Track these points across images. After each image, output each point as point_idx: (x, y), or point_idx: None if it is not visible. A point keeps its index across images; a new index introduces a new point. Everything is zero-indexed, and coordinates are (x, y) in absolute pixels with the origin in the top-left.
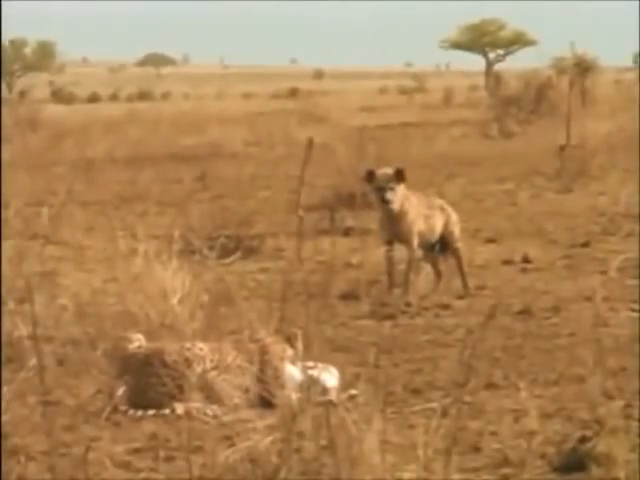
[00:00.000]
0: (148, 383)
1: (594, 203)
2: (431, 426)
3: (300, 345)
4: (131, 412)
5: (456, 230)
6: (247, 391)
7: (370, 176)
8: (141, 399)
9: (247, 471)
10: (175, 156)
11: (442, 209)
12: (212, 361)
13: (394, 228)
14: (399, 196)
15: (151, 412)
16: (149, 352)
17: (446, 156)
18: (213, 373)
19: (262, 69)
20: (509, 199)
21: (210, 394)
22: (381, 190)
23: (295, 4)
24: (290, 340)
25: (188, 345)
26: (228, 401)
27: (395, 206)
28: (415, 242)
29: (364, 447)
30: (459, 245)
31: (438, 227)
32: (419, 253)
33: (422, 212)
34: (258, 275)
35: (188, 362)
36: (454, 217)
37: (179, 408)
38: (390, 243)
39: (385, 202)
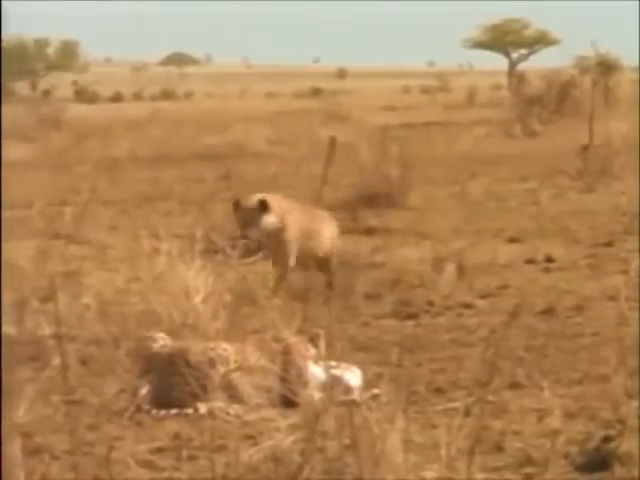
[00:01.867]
0: (172, 382)
1: (617, 202)
2: (454, 425)
3: (323, 345)
4: (154, 412)
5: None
6: (270, 391)
7: (235, 207)
8: (164, 398)
9: (270, 470)
10: (198, 155)
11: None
12: (236, 362)
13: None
14: (264, 225)
15: (174, 411)
16: (173, 351)
17: (469, 155)
18: (236, 374)
19: (285, 68)
20: (532, 198)
21: (233, 394)
22: (243, 225)
23: (318, 4)
24: (313, 340)
25: (212, 345)
26: (250, 401)
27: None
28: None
29: (387, 446)
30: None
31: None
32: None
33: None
34: None
35: (212, 362)
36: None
37: (202, 408)
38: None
39: (244, 237)
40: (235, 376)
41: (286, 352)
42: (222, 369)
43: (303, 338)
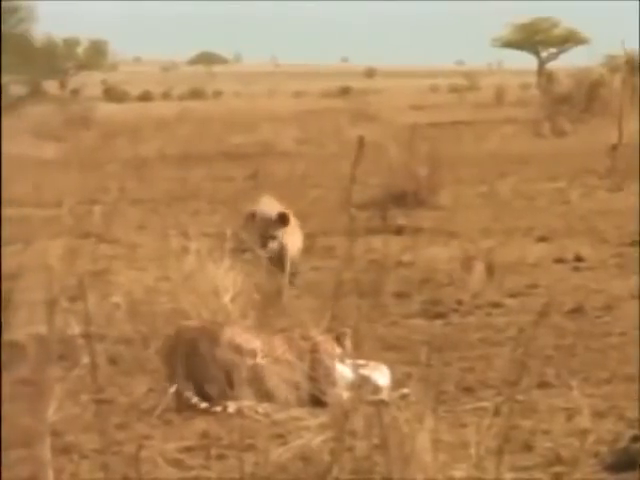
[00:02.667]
0: (199, 363)
1: None
2: (483, 425)
3: (349, 344)
4: (187, 394)
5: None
6: (297, 387)
7: (252, 218)
8: (194, 378)
9: (299, 469)
10: (226, 154)
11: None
12: (262, 351)
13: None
14: (282, 238)
15: (203, 405)
16: (201, 330)
17: (498, 154)
18: (264, 367)
19: (313, 67)
20: (561, 197)
21: (260, 388)
22: (262, 238)
23: (347, 3)
24: (339, 339)
25: (240, 333)
26: (278, 394)
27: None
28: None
29: (416, 446)
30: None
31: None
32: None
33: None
34: (309, 274)
35: (239, 350)
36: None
37: (231, 407)
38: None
39: (265, 250)
40: (263, 368)
41: (314, 350)
42: (250, 361)
43: (330, 337)
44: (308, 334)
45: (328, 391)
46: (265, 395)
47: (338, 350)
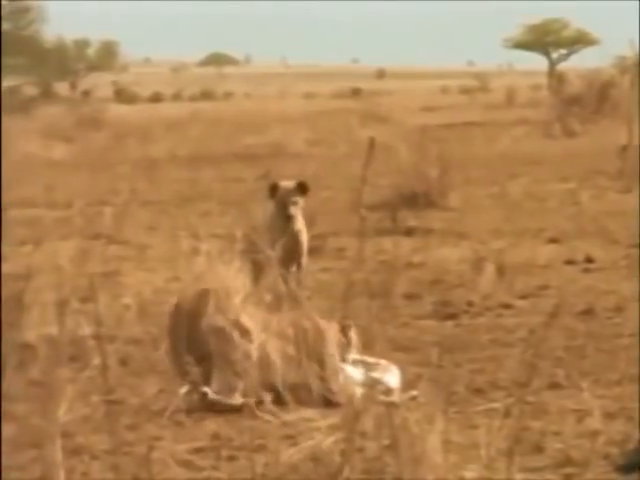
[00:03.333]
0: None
1: None
2: (493, 426)
3: (354, 336)
4: (204, 390)
5: None
6: (298, 365)
7: (273, 189)
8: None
9: (309, 470)
10: (237, 156)
11: None
12: (264, 325)
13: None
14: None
15: (212, 395)
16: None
17: (508, 155)
18: (264, 336)
19: (324, 69)
20: (571, 199)
21: (267, 368)
22: (284, 204)
23: (357, 4)
24: (344, 330)
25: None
26: (285, 376)
27: (297, 224)
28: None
29: (426, 447)
30: None
31: None
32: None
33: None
34: (320, 275)
35: (241, 329)
36: None
37: (238, 398)
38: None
39: (288, 217)
40: (265, 343)
41: (317, 333)
42: (249, 344)
43: (335, 325)
44: (313, 317)
45: (332, 379)
46: (273, 376)
47: (343, 340)
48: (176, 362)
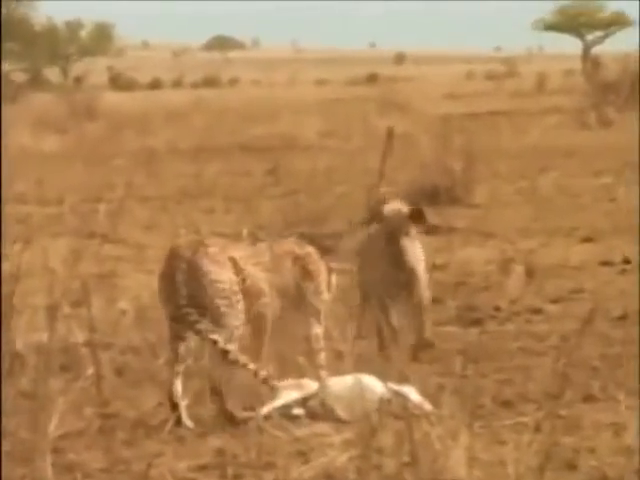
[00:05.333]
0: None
1: None
2: (522, 441)
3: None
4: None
5: None
6: (286, 294)
7: (377, 215)
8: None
9: None
10: (244, 147)
11: None
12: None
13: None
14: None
15: (222, 344)
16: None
17: (538, 147)
18: (251, 269)
19: (337, 53)
20: (607, 194)
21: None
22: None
23: None
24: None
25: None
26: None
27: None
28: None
29: (449, 464)
30: None
31: None
32: None
33: None
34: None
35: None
36: None
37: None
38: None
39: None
40: (253, 275)
41: (301, 261)
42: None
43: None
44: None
45: (315, 299)
46: (255, 296)
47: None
48: (176, 311)
